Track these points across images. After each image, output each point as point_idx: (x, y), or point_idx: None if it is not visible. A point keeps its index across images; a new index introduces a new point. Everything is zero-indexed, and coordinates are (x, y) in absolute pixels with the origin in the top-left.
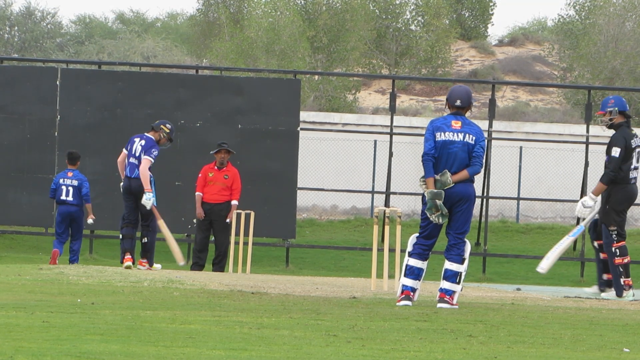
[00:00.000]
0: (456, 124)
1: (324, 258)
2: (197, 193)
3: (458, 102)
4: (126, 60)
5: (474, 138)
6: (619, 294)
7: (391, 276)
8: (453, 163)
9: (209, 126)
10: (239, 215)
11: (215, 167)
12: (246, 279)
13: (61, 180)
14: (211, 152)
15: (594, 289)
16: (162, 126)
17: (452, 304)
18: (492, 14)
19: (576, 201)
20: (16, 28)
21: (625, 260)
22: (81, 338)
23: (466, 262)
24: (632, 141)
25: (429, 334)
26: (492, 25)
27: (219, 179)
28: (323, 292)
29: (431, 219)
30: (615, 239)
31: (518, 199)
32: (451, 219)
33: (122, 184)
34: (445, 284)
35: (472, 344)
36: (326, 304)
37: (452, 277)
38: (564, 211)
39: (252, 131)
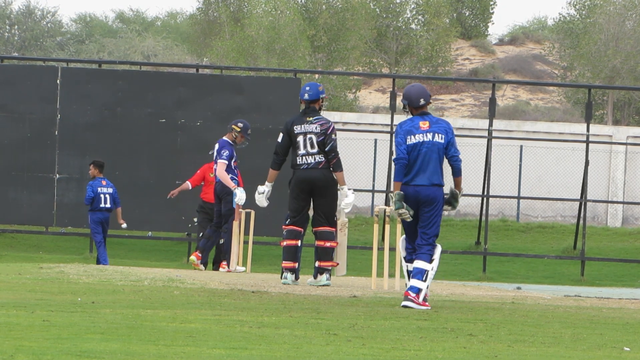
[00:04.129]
0: (424, 125)
1: None
2: (187, 182)
3: (422, 101)
4: (126, 59)
5: (443, 137)
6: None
7: (391, 275)
8: (422, 163)
9: (209, 125)
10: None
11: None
12: (247, 278)
13: (99, 189)
14: (210, 152)
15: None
16: (232, 126)
17: (418, 303)
18: (493, 13)
19: (577, 200)
20: (16, 27)
21: (284, 244)
22: (81, 337)
23: (435, 262)
24: (297, 127)
25: (430, 333)
26: (493, 24)
27: None
28: (323, 291)
29: (401, 218)
30: (287, 222)
31: (518, 197)
32: (419, 221)
33: None
34: (412, 281)
35: (472, 343)
36: (326, 302)
37: (419, 274)
38: (565, 210)
39: (252, 130)
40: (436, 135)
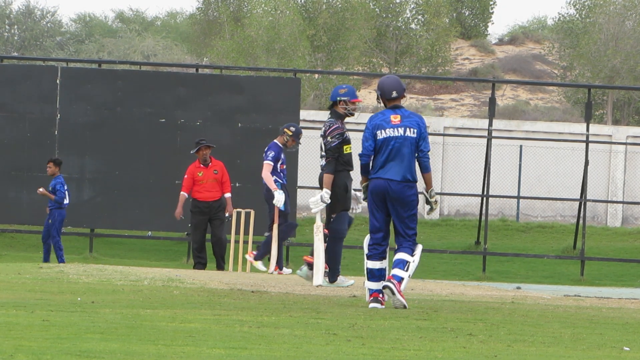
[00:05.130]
0: (395, 119)
1: None
2: (182, 193)
3: (394, 94)
4: (126, 59)
5: (415, 131)
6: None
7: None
8: (394, 158)
9: (209, 125)
10: (239, 214)
11: (201, 165)
12: (246, 278)
13: (65, 187)
14: (192, 152)
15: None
16: (285, 130)
17: (399, 291)
18: (492, 13)
19: (576, 200)
20: (16, 27)
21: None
22: (81, 337)
23: (416, 257)
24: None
25: (429, 333)
26: (492, 24)
27: (209, 176)
28: (323, 290)
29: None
30: None
31: (518, 197)
32: (396, 221)
33: None
34: (394, 270)
35: (472, 343)
36: (326, 302)
37: (400, 264)
38: (564, 210)
39: (252, 130)
40: (408, 129)
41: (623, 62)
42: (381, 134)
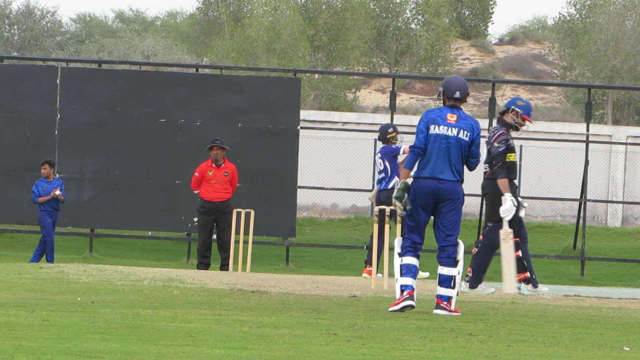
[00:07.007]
0: (452, 118)
1: (324, 257)
2: (195, 192)
3: (457, 94)
4: (126, 59)
5: (468, 134)
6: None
7: (391, 275)
8: (444, 158)
9: (209, 125)
10: (239, 214)
11: (213, 165)
12: (246, 278)
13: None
14: (206, 149)
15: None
16: (390, 135)
17: (450, 310)
18: (492, 13)
19: (576, 200)
20: (16, 26)
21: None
22: (81, 337)
23: (460, 263)
24: None
25: (429, 333)
26: (492, 23)
27: (219, 177)
28: (323, 290)
29: (396, 208)
30: None
31: (518, 197)
32: (439, 219)
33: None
34: (440, 290)
35: (472, 343)
36: (326, 302)
37: (446, 281)
38: (564, 210)
39: (252, 130)
40: (462, 131)
41: (623, 62)
42: (434, 130)
